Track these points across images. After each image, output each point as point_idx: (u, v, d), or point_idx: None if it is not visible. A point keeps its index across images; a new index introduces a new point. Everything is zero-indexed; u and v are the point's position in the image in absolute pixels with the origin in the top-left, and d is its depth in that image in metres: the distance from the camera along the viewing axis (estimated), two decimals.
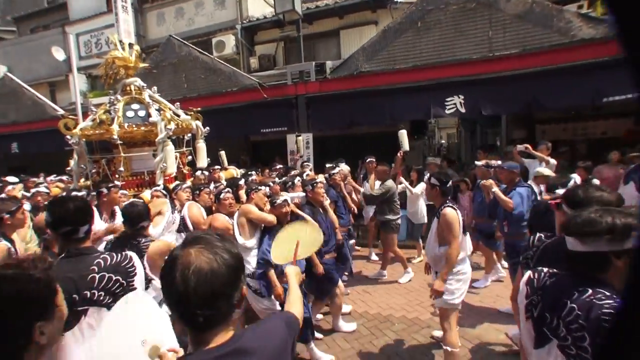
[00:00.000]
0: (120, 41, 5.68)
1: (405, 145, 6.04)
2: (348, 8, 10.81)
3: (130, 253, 2.10)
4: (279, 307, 3.41)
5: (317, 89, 8.21)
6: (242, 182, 4.58)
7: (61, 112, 11.76)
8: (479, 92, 6.92)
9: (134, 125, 5.12)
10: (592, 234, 1.32)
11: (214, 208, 4.08)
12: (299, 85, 8.31)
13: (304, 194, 4.13)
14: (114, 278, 1.92)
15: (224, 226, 3.64)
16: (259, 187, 3.77)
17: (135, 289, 1.98)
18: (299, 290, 1.66)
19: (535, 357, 1.51)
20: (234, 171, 5.99)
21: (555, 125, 10.41)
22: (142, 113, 5.31)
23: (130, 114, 5.26)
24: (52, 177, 7.97)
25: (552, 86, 6.44)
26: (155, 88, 5.88)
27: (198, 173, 5.31)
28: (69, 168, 5.67)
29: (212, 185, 4.09)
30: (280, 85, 8.72)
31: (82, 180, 5.54)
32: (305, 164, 6.96)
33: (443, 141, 23.13)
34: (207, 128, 6.02)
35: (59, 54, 11.56)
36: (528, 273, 1.62)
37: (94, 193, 4.34)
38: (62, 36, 15.40)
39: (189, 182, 4.55)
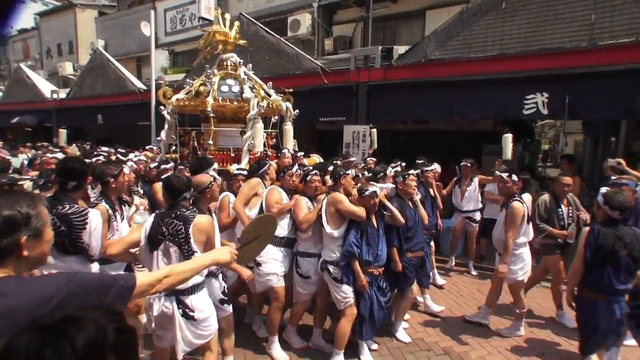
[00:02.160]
0: (223, 14, 6.17)
1: (508, 152, 5.91)
2: None
3: (90, 210, 2.75)
4: (352, 296, 3.74)
5: (381, 76, 8.19)
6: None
7: (140, 86, 13.44)
8: (568, 90, 6.29)
9: (227, 100, 5.57)
10: None
11: (300, 189, 4.25)
12: (362, 71, 8.37)
13: (393, 185, 4.28)
14: (58, 224, 2.63)
15: (275, 200, 3.92)
16: (347, 172, 3.95)
17: (81, 242, 2.70)
18: (196, 264, 1.81)
19: None
20: (317, 159, 6.21)
21: None
22: (235, 89, 5.75)
23: (224, 88, 5.70)
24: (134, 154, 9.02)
25: None
26: (250, 65, 6.28)
27: (285, 151, 5.60)
28: (159, 138, 6.32)
29: (295, 167, 4.23)
30: (342, 70, 8.87)
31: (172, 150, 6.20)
32: (369, 159, 6.98)
33: (546, 146, 21.15)
34: (297, 111, 6.31)
35: (146, 29, 12.99)
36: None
37: (181, 166, 4.97)
38: (152, 11, 17.53)
39: (274, 163, 4.84)
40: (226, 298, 3.36)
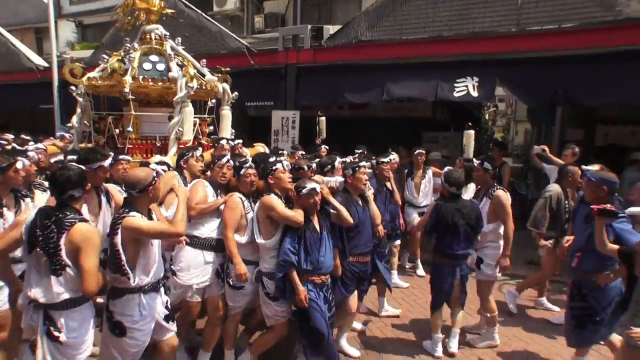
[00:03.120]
0: None
1: (470, 150, 5.71)
2: None
3: None
4: (285, 315, 3.44)
5: (310, 58, 7.96)
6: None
7: (40, 63, 12.11)
8: (498, 74, 6.48)
9: (150, 80, 4.93)
10: None
11: (233, 184, 3.77)
12: (290, 52, 8.08)
13: (342, 179, 3.94)
14: None
15: (197, 200, 3.47)
16: (275, 166, 3.47)
17: None
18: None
19: None
20: (262, 148, 5.66)
21: (622, 127, 9.66)
22: (161, 67, 5.09)
23: (147, 66, 5.04)
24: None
25: (589, 75, 5.93)
26: (179, 39, 5.63)
27: (223, 142, 4.89)
28: (69, 124, 5.58)
29: (225, 158, 3.71)
30: (269, 51, 8.51)
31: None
32: (295, 145, 6.67)
33: (500, 135, 21.96)
34: (236, 93, 5.78)
35: None
36: None
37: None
38: None
39: (200, 150, 4.23)
40: (169, 313, 2.99)
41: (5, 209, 3.11)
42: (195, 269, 3.48)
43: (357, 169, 3.86)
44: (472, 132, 5.79)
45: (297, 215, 3.30)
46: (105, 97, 5.87)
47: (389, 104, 9.63)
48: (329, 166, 4.31)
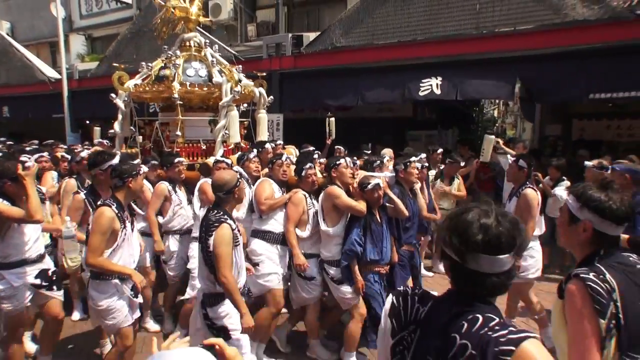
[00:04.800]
0: None
1: (488, 154, 5.75)
2: None
3: None
4: (356, 296, 3.55)
5: (291, 64, 8.41)
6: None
7: (52, 75, 12.80)
8: (458, 74, 6.83)
9: (195, 85, 5.05)
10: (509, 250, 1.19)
11: (293, 183, 4.02)
12: (274, 59, 8.54)
13: (393, 174, 4.16)
14: None
15: (266, 196, 3.73)
16: (338, 162, 3.67)
17: None
18: None
19: None
20: (294, 150, 5.85)
21: (596, 121, 9.88)
22: (202, 73, 5.28)
23: (190, 72, 5.19)
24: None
25: (543, 73, 6.26)
26: (216, 46, 5.84)
27: (267, 146, 5.12)
28: (111, 131, 5.67)
29: (284, 157, 3.96)
30: (254, 59, 8.99)
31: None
32: (337, 147, 6.77)
33: (511, 133, 21.68)
34: (271, 97, 5.94)
35: (55, 11, 12.23)
36: (390, 299, 1.38)
37: (155, 162, 4.57)
38: None
39: (255, 152, 4.51)
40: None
41: None
42: (272, 260, 3.72)
43: (408, 164, 4.12)
44: (492, 136, 5.91)
45: (360, 204, 3.46)
46: (141, 104, 5.99)
47: (371, 105, 10.01)
48: (378, 162, 4.49)
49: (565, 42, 5.97)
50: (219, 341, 1.17)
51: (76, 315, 4.61)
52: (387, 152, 6.39)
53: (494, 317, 1.17)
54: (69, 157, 5.13)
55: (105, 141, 7.18)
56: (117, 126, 5.56)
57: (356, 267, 3.46)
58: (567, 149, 9.26)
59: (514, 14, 6.51)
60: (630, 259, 1.66)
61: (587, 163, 4.90)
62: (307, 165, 3.77)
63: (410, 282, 4.17)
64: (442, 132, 11.28)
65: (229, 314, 2.81)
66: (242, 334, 2.81)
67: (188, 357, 1.05)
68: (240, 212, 3.80)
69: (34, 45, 16.48)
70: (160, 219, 4.27)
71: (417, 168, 4.42)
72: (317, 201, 3.73)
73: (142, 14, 10.83)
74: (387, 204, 3.73)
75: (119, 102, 5.48)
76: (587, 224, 1.66)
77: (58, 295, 3.43)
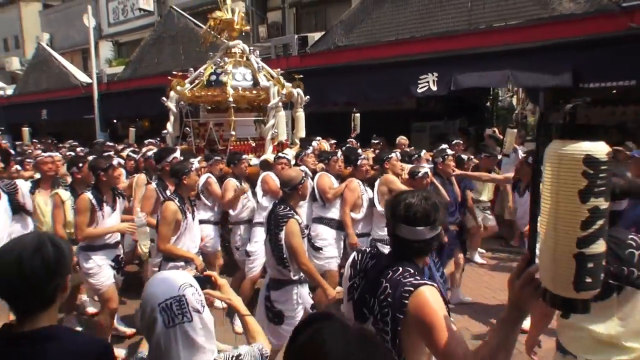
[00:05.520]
0: (224, 1, 5.99)
1: (509, 146, 5.77)
2: None
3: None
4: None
5: (298, 63, 8.85)
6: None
7: (84, 80, 13.76)
8: (453, 69, 7.10)
9: (245, 90, 5.48)
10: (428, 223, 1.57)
11: (344, 174, 4.52)
12: (281, 59, 9.02)
13: (431, 166, 4.55)
14: None
15: (329, 185, 4.23)
16: (390, 155, 4.24)
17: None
18: None
19: None
20: (325, 144, 6.33)
21: (601, 108, 9.87)
22: (249, 77, 5.70)
23: (238, 77, 5.58)
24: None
25: (529, 64, 6.46)
26: (257, 52, 6.26)
27: (314, 143, 5.47)
28: (165, 131, 6.10)
29: (339, 153, 4.49)
30: (264, 59, 9.47)
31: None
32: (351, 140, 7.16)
33: (528, 118, 21.45)
34: (308, 97, 6.23)
35: (87, 20, 13.12)
36: (353, 255, 1.81)
37: (217, 157, 4.83)
38: (95, 2, 17.60)
39: (311, 148, 4.96)
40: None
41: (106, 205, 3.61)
42: (333, 245, 4.19)
43: (445, 156, 4.54)
44: (514, 130, 6.05)
45: (409, 188, 3.96)
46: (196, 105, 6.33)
47: (374, 100, 10.34)
48: (416, 155, 5.00)
49: (553, 35, 6.17)
50: (213, 274, 1.63)
51: None
52: (402, 141, 6.82)
53: (411, 270, 1.55)
54: (135, 156, 5.69)
55: (154, 140, 7.76)
56: (169, 127, 5.93)
57: None
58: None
59: (503, 9, 6.74)
60: (630, 237, 1.82)
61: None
62: (362, 156, 4.32)
63: (461, 256, 4.57)
64: (449, 123, 11.45)
65: (288, 301, 2.98)
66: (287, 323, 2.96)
67: (172, 276, 1.37)
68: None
69: (69, 52, 17.64)
70: (231, 212, 4.62)
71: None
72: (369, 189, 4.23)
73: (162, 21, 11.52)
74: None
75: (171, 105, 5.82)
76: None
77: (120, 279, 3.81)
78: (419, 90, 7.42)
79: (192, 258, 3.39)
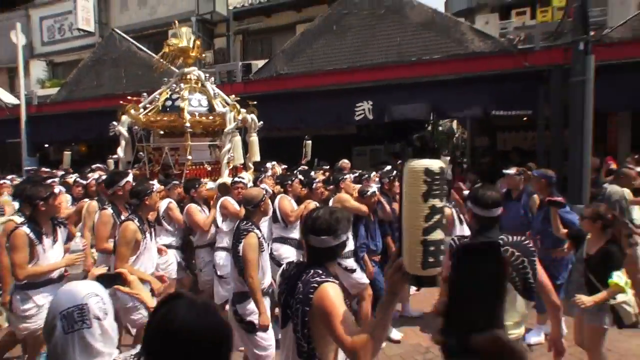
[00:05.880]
0: (180, 28, 6.15)
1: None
2: (304, 1, 11.63)
3: None
4: (367, 280, 4.21)
5: (242, 89, 9.15)
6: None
7: (9, 101, 13.02)
8: (386, 98, 7.78)
9: (202, 115, 5.61)
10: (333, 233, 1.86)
11: (303, 196, 4.74)
12: (226, 86, 9.26)
13: (379, 185, 4.87)
14: None
15: (290, 209, 4.46)
16: (345, 176, 4.57)
17: None
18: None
19: (282, 335, 1.98)
20: (279, 168, 6.69)
21: (515, 133, 11.13)
22: (204, 103, 5.85)
23: (194, 103, 5.71)
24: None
25: (450, 95, 7.30)
26: (212, 79, 6.42)
27: (268, 165, 5.94)
28: (115, 156, 6.02)
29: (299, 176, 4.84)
30: None
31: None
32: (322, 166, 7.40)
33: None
34: (261, 122, 6.38)
35: (17, 37, 12.41)
36: (283, 266, 2.09)
37: (175, 182, 4.87)
38: (26, 19, 16.79)
39: (270, 171, 5.35)
40: None
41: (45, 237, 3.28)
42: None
43: (392, 177, 4.94)
44: (447, 158, 6.62)
45: (364, 207, 4.26)
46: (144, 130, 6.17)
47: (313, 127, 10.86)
48: (366, 176, 5.35)
49: (468, 69, 7.05)
50: (123, 271, 1.86)
51: None
52: (344, 164, 7.19)
53: (320, 272, 1.83)
54: (83, 182, 5.61)
55: (102, 166, 7.55)
56: (120, 151, 5.87)
57: (367, 257, 4.30)
58: (495, 158, 10.40)
59: (428, 45, 7.58)
60: (502, 238, 2.37)
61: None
62: (316, 179, 4.66)
63: None
64: (389, 147, 12.23)
65: (256, 311, 3.04)
66: (262, 330, 3.06)
67: (79, 286, 1.46)
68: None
69: None
70: (194, 237, 4.75)
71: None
72: None
73: (104, 43, 11.37)
74: (378, 209, 4.59)
75: (122, 129, 5.79)
76: (470, 210, 2.53)
77: None
78: (356, 118, 8.02)
79: (148, 280, 3.32)
